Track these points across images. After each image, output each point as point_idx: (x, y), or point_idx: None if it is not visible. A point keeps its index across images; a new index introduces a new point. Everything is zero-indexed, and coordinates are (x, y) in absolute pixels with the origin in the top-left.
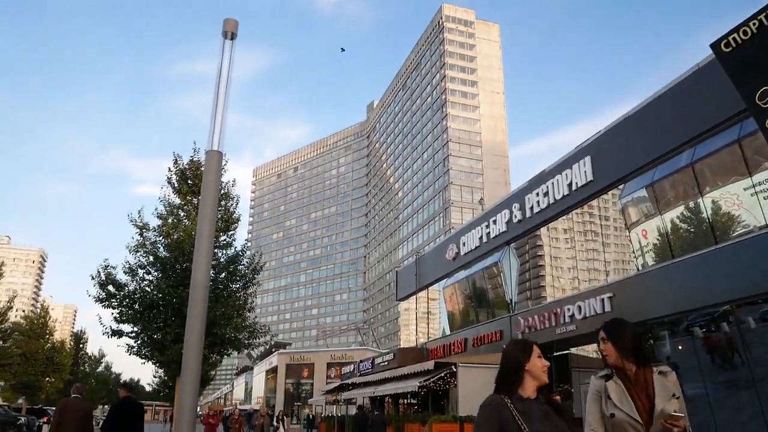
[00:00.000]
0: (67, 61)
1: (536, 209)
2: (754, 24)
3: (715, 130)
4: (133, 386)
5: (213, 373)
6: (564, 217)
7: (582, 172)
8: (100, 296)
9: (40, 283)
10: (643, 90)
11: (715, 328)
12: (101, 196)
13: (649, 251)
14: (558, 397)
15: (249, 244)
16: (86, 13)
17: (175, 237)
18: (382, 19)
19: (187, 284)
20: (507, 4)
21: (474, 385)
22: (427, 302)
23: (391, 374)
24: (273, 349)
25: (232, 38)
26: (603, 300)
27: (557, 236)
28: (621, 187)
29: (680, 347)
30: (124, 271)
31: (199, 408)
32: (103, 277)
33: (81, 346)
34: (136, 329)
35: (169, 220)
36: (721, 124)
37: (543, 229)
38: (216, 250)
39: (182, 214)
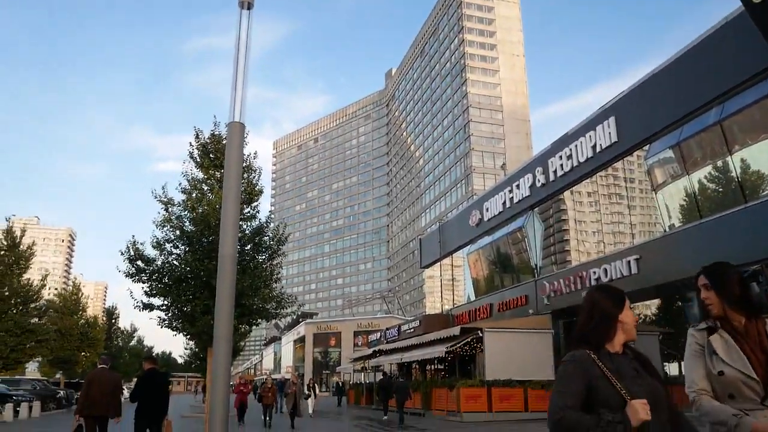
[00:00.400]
0: (85, 43)
1: (560, 173)
2: None
3: (744, 86)
4: (156, 358)
5: (242, 343)
6: (588, 180)
7: (606, 134)
8: (130, 271)
9: (71, 262)
10: (669, 47)
11: None
12: (126, 173)
13: (676, 212)
14: None
15: (273, 216)
16: None
17: (200, 211)
18: None
19: (214, 257)
20: None
21: (500, 350)
22: (452, 269)
23: (417, 341)
24: (300, 320)
25: (249, 8)
26: (629, 262)
27: (581, 200)
28: (646, 147)
29: None
30: (152, 246)
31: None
32: (132, 253)
33: (113, 321)
34: (166, 302)
35: (193, 195)
36: (751, 79)
37: (566, 193)
38: (240, 223)
39: (206, 188)
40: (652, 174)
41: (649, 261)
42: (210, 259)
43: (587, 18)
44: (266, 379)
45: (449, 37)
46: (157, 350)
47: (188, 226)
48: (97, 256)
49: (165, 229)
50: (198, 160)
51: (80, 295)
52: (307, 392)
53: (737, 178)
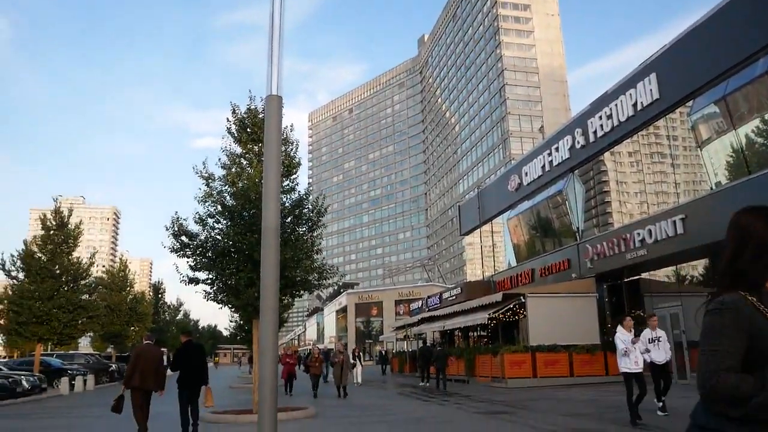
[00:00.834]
0: (122, 21)
1: (600, 133)
2: None
3: None
4: (191, 331)
5: (286, 315)
6: (628, 140)
7: (647, 91)
8: (175, 247)
9: (116, 239)
10: None
11: None
12: (165, 150)
13: (723, 169)
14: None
15: (311, 188)
16: None
17: (240, 185)
18: None
19: (255, 230)
20: None
21: (544, 315)
22: (492, 235)
23: (459, 308)
24: (341, 290)
25: None
26: (675, 222)
27: (622, 160)
28: (690, 103)
29: None
30: (195, 222)
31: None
32: (176, 229)
33: (159, 296)
34: (210, 276)
35: (233, 169)
36: None
37: (606, 154)
38: (280, 195)
39: (244, 162)
40: (696, 130)
41: (695, 220)
42: (251, 233)
43: None
44: (313, 348)
45: None
46: (203, 323)
47: (229, 201)
48: (141, 234)
49: (206, 204)
50: (236, 134)
51: (127, 271)
52: (353, 361)
53: None
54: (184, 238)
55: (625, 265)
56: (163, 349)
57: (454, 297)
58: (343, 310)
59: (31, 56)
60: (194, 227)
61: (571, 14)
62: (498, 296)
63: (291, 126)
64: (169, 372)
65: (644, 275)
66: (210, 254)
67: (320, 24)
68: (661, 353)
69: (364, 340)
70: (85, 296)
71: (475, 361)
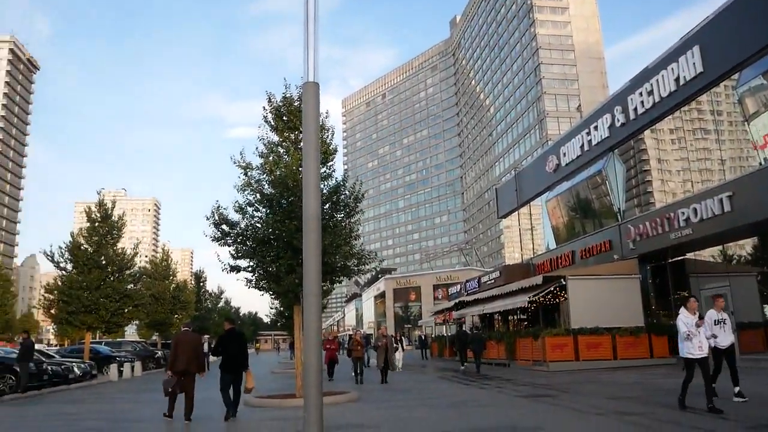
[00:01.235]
0: (154, 16)
1: (641, 110)
2: None
3: None
4: (234, 319)
5: (325, 301)
6: (670, 117)
7: (690, 65)
8: (216, 235)
9: (158, 230)
10: None
11: None
12: (200, 141)
13: None
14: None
15: (348, 173)
16: None
17: (278, 173)
18: None
19: (293, 218)
20: None
21: (585, 297)
22: (530, 217)
23: (498, 291)
24: (379, 276)
25: None
26: (721, 200)
27: (663, 137)
28: (736, 76)
29: None
30: (234, 210)
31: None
32: (217, 218)
33: (201, 284)
34: (251, 264)
35: (270, 158)
36: None
37: (647, 132)
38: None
39: (281, 150)
40: (743, 104)
41: (743, 197)
42: (290, 220)
43: None
44: (355, 333)
45: None
46: (244, 311)
47: (267, 189)
48: (180, 224)
49: (245, 193)
50: (272, 123)
51: (170, 261)
52: (395, 345)
53: None
54: (224, 226)
55: (669, 245)
56: (206, 336)
57: (492, 281)
58: (381, 296)
59: (71, 54)
60: (234, 216)
61: None
62: (538, 279)
63: (327, 113)
64: (212, 358)
65: (689, 255)
66: (250, 242)
67: (351, 9)
68: (727, 336)
69: (402, 325)
70: (131, 286)
71: (516, 344)
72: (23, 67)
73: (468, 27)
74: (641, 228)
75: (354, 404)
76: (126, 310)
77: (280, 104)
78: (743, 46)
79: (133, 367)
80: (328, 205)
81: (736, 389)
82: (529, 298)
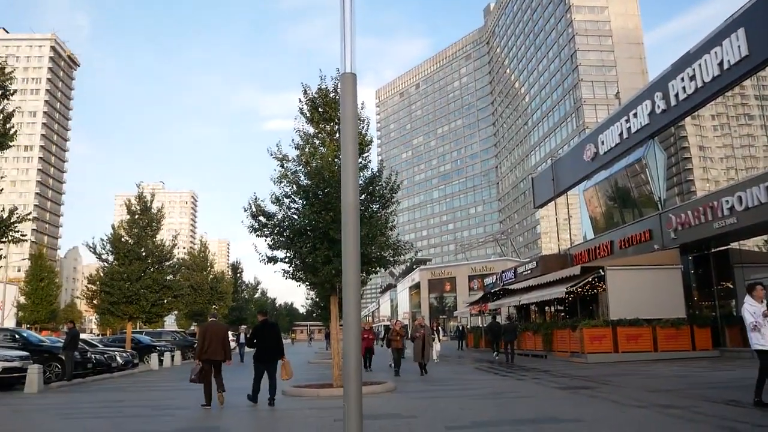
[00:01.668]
0: (188, 10)
1: (682, 96)
2: None
3: None
4: (267, 311)
5: (360, 292)
6: (712, 102)
7: (735, 48)
8: (253, 226)
9: (195, 222)
10: None
11: None
12: (236, 134)
13: None
14: None
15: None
16: None
17: (314, 165)
18: None
19: (330, 209)
20: None
21: (624, 288)
22: (567, 207)
23: (535, 282)
24: (414, 266)
25: None
26: None
27: (704, 124)
28: None
29: None
30: (271, 202)
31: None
32: (254, 209)
33: (238, 275)
34: (288, 255)
35: (306, 149)
36: None
37: (687, 119)
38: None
39: (317, 141)
40: None
41: None
42: (326, 211)
43: None
44: (394, 323)
45: None
46: (280, 301)
47: (303, 181)
48: (217, 216)
49: (282, 184)
50: (308, 115)
51: (207, 252)
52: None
53: None
54: (261, 218)
55: (713, 234)
56: (242, 326)
57: (529, 271)
58: (416, 287)
59: (109, 50)
60: (271, 207)
61: None
62: (576, 269)
63: (362, 104)
64: (247, 348)
65: (733, 245)
66: (287, 233)
67: (384, 0)
68: None
69: (437, 316)
70: (170, 277)
71: (553, 335)
72: (64, 63)
73: (502, 15)
74: (683, 217)
75: (391, 394)
76: (165, 301)
77: (316, 96)
78: None
79: (172, 357)
80: (363, 196)
81: None
82: (567, 288)
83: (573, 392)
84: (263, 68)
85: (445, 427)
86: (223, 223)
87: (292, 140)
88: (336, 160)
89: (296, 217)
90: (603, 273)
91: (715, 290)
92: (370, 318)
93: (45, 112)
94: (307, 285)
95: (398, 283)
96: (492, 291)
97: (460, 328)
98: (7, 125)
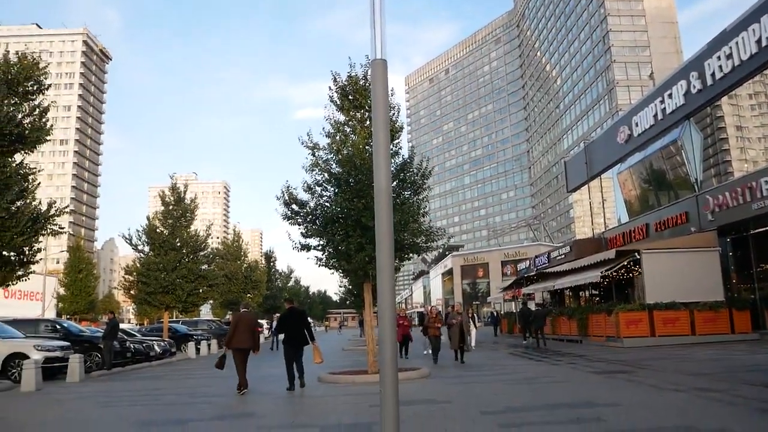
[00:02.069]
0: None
1: (718, 75)
2: None
3: None
4: (293, 299)
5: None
6: (750, 81)
7: None
8: (286, 215)
9: (228, 212)
10: None
11: None
12: (267, 124)
13: None
14: None
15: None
16: None
17: (345, 152)
18: None
19: (362, 196)
20: None
21: (661, 272)
22: (601, 190)
23: (569, 267)
24: (446, 253)
25: None
26: None
27: (741, 103)
28: None
29: None
30: (303, 190)
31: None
32: (287, 197)
33: (271, 264)
34: (321, 242)
35: (337, 137)
36: None
37: (724, 98)
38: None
39: (348, 129)
40: None
41: None
42: (358, 198)
43: None
44: (431, 309)
45: None
46: (313, 289)
47: (335, 168)
48: (250, 206)
49: (314, 172)
50: (338, 102)
51: (241, 242)
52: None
53: None
54: (294, 206)
55: (751, 216)
56: (276, 315)
57: (563, 256)
58: (448, 273)
59: (140, 43)
60: (303, 196)
61: None
62: (610, 253)
63: (392, 91)
64: (280, 336)
65: None
66: (319, 221)
67: None
68: None
69: (471, 302)
70: (205, 266)
71: (588, 320)
72: (96, 57)
73: None
74: (720, 199)
75: (426, 380)
76: (201, 290)
77: (346, 83)
78: None
79: (209, 345)
80: (395, 182)
81: None
82: (602, 273)
83: (609, 377)
84: (291, 58)
85: (480, 412)
86: (256, 213)
87: (323, 128)
88: (367, 147)
89: (328, 204)
90: (638, 256)
91: (754, 272)
92: (403, 305)
93: (79, 106)
94: (340, 272)
95: (431, 269)
96: (525, 276)
97: (494, 314)
98: (43, 119)
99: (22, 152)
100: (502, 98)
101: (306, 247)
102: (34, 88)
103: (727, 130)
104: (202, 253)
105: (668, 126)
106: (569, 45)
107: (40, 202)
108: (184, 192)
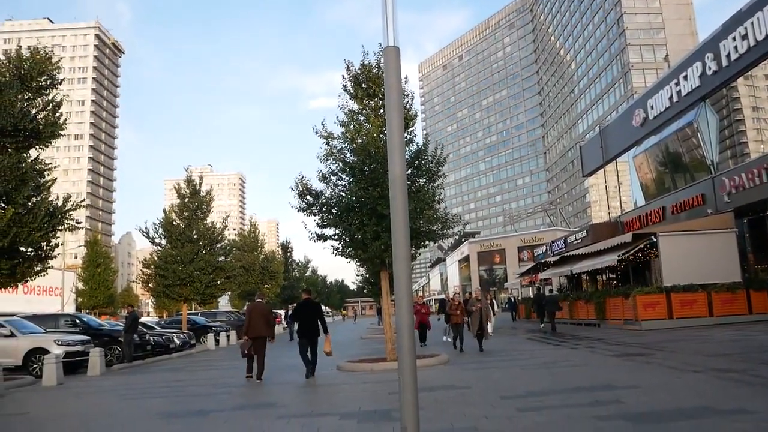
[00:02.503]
0: None
1: (734, 56)
2: None
3: None
4: (310, 290)
5: (411, 265)
6: (765, 62)
7: None
8: (301, 206)
9: (243, 203)
10: None
11: None
12: (281, 114)
13: None
14: None
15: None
16: None
17: (359, 141)
18: None
19: (377, 185)
20: None
21: (678, 254)
22: (617, 174)
23: (586, 251)
24: (463, 240)
25: None
26: None
27: (757, 84)
28: None
29: None
30: (318, 180)
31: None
32: (301, 188)
33: (288, 254)
34: (337, 232)
35: (351, 126)
36: None
37: (740, 79)
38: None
39: (362, 118)
40: None
41: None
42: (373, 187)
43: None
44: (453, 296)
45: None
46: (330, 279)
47: (349, 157)
48: (265, 196)
49: (328, 162)
50: (352, 91)
51: (257, 233)
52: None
53: None
54: (309, 197)
55: None
56: (293, 305)
57: (579, 240)
58: (465, 260)
59: (152, 36)
60: (318, 185)
61: None
62: (627, 237)
63: (406, 78)
64: (296, 326)
65: None
66: (335, 211)
67: None
68: None
69: (488, 288)
70: (222, 258)
71: (606, 304)
72: (109, 51)
73: None
74: (737, 180)
75: (445, 366)
76: (219, 282)
77: (359, 72)
78: None
79: (228, 336)
80: (410, 170)
81: None
82: (619, 256)
83: (628, 359)
84: (304, 48)
85: (500, 397)
86: (272, 204)
87: (337, 118)
88: (381, 135)
89: (343, 194)
90: (655, 239)
91: None
92: (421, 292)
93: (93, 101)
94: (356, 261)
95: (447, 256)
96: (542, 261)
97: (512, 299)
98: (56, 114)
99: (38, 148)
100: (516, 84)
101: (322, 237)
102: (48, 83)
103: (743, 111)
104: (219, 245)
105: (684, 108)
106: (583, 29)
107: (57, 197)
108: (200, 184)
